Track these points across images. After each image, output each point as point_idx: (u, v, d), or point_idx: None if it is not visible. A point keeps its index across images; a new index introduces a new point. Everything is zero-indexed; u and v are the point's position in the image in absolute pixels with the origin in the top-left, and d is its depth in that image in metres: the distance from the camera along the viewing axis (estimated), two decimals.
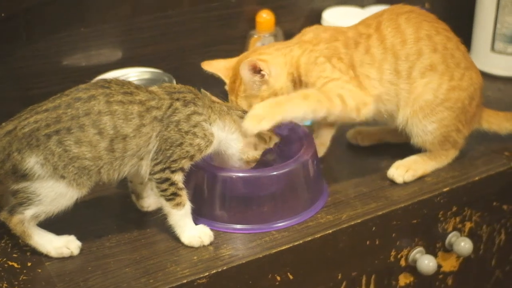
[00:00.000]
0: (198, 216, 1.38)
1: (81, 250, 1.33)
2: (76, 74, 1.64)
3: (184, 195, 1.30)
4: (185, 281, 1.26)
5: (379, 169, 1.56)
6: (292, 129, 1.50)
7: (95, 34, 1.67)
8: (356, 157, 1.61)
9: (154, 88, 1.33)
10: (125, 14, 1.70)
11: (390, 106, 1.48)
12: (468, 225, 1.60)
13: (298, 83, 1.46)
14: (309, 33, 1.49)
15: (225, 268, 1.29)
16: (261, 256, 1.32)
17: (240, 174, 1.39)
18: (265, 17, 1.78)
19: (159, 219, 1.35)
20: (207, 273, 1.27)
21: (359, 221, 1.41)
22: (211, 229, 1.36)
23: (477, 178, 1.54)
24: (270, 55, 1.45)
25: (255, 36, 1.76)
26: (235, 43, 1.82)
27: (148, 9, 1.71)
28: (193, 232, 1.32)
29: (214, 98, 1.37)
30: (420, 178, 1.53)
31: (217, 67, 1.49)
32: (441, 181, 1.52)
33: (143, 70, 1.59)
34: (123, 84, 1.29)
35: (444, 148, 1.54)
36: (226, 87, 1.48)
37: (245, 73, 1.41)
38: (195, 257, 1.31)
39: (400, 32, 1.47)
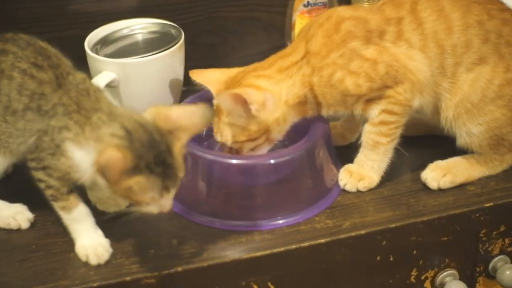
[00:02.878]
0: (177, 201, 1.17)
1: (34, 223, 1.16)
2: (82, 20, 1.45)
3: (73, 199, 1.08)
4: (128, 278, 1.06)
5: (414, 168, 1.28)
6: None
7: None
8: None
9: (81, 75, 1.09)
10: None
11: (426, 112, 1.23)
12: None
13: (311, 103, 1.20)
14: (316, 35, 1.18)
15: (179, 269, 1.07)
16: (227, 260, 1.10)
17: (230, 161, 1.17)
18: None
19: None
20: (156, 273, 1.07)
21: (362, 232, 1.15)
22: (185, 219, 1.17)
23: None
24: (269, 80, 1.18)
25: None
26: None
27: None
28: (83, 243, 1.10)
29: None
30: (461, 186, 1.24)
31: (208, 78, 1.23)
32: (486, 193, 1.22)
33: (150, 22, 1.37)
34: (41, 53, 1.08)
35: (498, 153, 1.23)
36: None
37: (226, 104, 1.16)
38: (152, 250, 1.11)
39: (444, 16, 1.17)
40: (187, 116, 1.00)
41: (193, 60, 1.38)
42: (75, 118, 1.01)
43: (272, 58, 1.21)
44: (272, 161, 1.16)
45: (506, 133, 1.21)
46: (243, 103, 1.13)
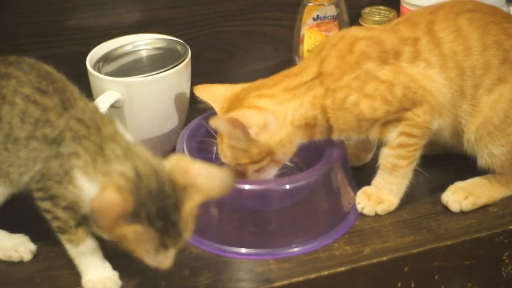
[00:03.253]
0: None
1: (37, 255, 1.10)
2: (83, 35, 1.38)
3: (81, 233, 1.02)
4: None
5: (433, 189, 1.23)
6: None
7: None
8: None
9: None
10: None
11: (445, 133, 1.18)
12: None
13: (322, 126, 1.13)
14: (330, 56, 1.12)
15: None
16: None
17: (242, 186, 1.10)
18: None
19: None
20: None
21: (384, 259, 1.09)
22: (197, 247, 1.11)
23: None
24: (272, 100, 1.12)
25: (310, 4, 1.43)
26: (283, 11, 1.50)
27: None
28: (90, 277, 1.04)
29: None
30: (483, 207, 1.18)
31: (212, 94, 1.16)
32: (509, 215, 1.18)
33: (154, 37, 1.31)
34: (46, 77, 1.01)
35: None
36: None
37: (223, 129, 1.10)
38: (163, 283, 1.05)
39: (462, 37, 1.12)
40: (207, 177, 0.92)
41: (198, 76, 1.32)
42: (85, 144, 0.95)
43: (277, 77, 1.15)
44: (287, 187, 1.10)
45: None
46: (241, 127, 1.07)
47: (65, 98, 0.99)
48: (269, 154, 1.11)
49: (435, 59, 1.12)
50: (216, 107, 1.16)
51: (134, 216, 0.87)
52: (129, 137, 0.97)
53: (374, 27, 1.20)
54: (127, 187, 0.88)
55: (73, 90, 1.01)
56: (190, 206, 0.90)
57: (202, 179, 0.91)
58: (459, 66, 1.12)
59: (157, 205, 0.88)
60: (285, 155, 1.13)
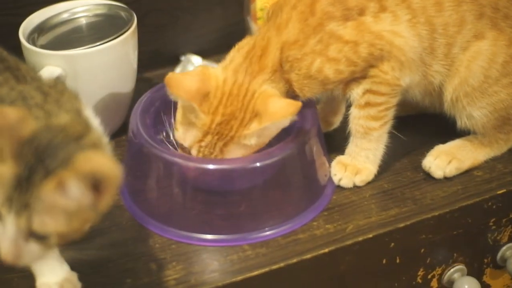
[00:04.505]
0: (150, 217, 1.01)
1: None
2: (12, 4, 1.22)
3: None
4: None
5: (412, 154, 1.13)
6: None
7: None
8: None
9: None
10: None
11: (415, 93, 1.09)
12: None
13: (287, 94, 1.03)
14: (292, 20, 1.01)
15: None
16: (220, 285, 0.93)
17: (206, 166, 0.98)
18: None
19: None
20: None
21: (370, 236, 1.00)
22: (162, 237, 0.99)
23: None
24: (266, 82, 1.02)
25: None
26: None
27: None
28: (46, 280, 0.89)
29: None
30: (467, 171, 1.10)
31: (187, 90, 0.97)
32: (496, 178, 1.09)
33: (94, 3, 1.17)
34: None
35: (503, 131, 1.10)
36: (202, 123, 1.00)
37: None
38: (128, 280, 0.93)
39: None
40: None
41: (141, 44, 1.18)
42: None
43: (244, 51, 1.02)
44: (258, 164, 0.99)
45: None
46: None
47: (20, 75, 0.84)
48: None
49: (402, 13, 1.01)
50: (195, 103, 0.97)
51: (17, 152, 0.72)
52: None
53: None
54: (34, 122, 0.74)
55: (28, 69, 0.87)
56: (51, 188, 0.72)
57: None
58: (429, 22, 1.02)
59: (35, 161, 0.72)
60: None
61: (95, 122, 0.82)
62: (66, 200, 0.72)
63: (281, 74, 1.01)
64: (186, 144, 1.00)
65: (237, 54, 1.03)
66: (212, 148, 0.99)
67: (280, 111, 0.96)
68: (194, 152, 1.00)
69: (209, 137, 0.98)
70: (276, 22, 1.02)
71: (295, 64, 1.00)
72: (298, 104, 0.97)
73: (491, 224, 1.11)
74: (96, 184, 0.73)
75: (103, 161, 0.73)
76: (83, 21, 1.17)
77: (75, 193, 0.72)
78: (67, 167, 0.71)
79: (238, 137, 0.98)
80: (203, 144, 0.99)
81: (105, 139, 0.81)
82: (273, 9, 1.06)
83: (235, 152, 0.99)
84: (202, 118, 0.98)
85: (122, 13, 1.15)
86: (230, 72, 1.00)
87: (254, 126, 0.97)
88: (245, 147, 0.99)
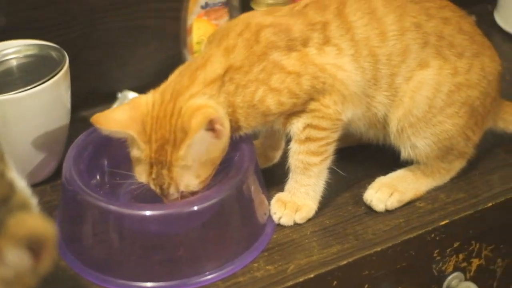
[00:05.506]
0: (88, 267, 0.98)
1: None
2: None
3: None
4: None
5: (353, 187, 1.12)
6: None
7: None
8: None
9: None
10: None
11: (359, 125, 1.07)
12: (475, 262, 1.16)
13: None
14: (238, 47, 0.99)
15: None
16: None
17: (143, 213, 0.96)
18: None
19: None
20: None
21: (312, 275, 0.98)
22: (98, 285, 0.96)
23: (490, 204, 1.09)
24: (204, 97, 0.98)
25: None
26: (166, 0, 1.33)
27: None
28: None
29: None
30: (410, 203, 1.09)
31: (119, 122, 0.96)
32: (439, 209, 1.08)
33: (23, 44, 1.14)
34: None
35: (446, 161, 1.09)
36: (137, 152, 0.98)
37: (197, 139, 0.94)
38: None
39: (377, 20, 1.01)
40: None
41: (76, 82, 1.15)
42: None
43: (186, 72, 1.00)
44: (195, 208, 0.96)
45: (456, 143, 1.07)
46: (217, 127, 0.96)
47: None
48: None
49: (346, 45, 1.00)
50: (133, 132, 0.96)
51: None
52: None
53: (278, 8, 1.06)
54: None
55: None
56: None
57: None
58: (373, 53, 1.01)
59: None
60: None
61: (21, 183, 0.78)
62: (3, 269, 0.69)
63: (225, 93, 0.98)
64: (143, 181, 0.97)
65: (172, 76, 1.01)
66: (162, 179, 0.96)
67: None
68: (152, 187, 0.97)
69: (154, 168, 0.96)
70: (222, 44, 1.00)
71: (240, 89, 0.98)
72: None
73: (435, 255, 1.10)
74: (33, 247, 0.69)
75: (37, 222, 0.70)
76: (13, 62, 1.13)
77: (12, 260, 0.69)
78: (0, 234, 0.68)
79: (175, 161, 0.95)
80: (153, 176, 0.96)
81: (34, 200, 0.77)
82: (217, 33, 1.04)
83: (185, 177, 0.96)
84: (143, 149, 0.95)
85: (54, 54, 1.12)
86: (158, 94, 0.98)
87: (184, 145, 0.94)
88: (192, 169, 0.96)
